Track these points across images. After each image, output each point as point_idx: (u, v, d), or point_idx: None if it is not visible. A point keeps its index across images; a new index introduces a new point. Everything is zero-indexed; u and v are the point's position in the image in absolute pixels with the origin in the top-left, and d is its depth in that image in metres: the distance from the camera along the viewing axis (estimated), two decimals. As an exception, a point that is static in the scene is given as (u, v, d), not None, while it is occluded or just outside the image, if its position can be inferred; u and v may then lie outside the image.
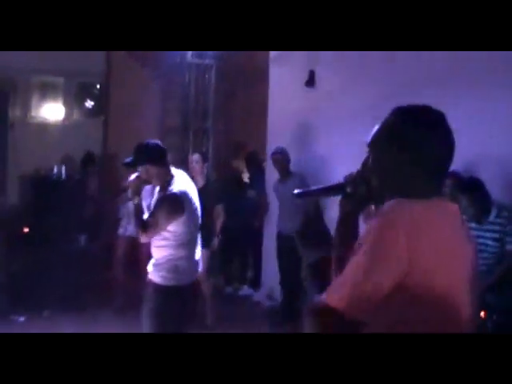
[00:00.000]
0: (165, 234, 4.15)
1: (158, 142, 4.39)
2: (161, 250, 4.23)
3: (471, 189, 4.62)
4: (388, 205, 1.87)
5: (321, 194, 2.53)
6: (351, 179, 2.14)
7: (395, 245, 1.73)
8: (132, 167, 4.33)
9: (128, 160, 4.32)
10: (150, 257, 4.42)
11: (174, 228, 4.14)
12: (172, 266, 4.18)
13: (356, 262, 1.79)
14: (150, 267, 4.31)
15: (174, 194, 4.14)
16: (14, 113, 9.08)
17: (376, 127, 2.04)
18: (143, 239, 4.24)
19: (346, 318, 1.77)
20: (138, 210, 4.22)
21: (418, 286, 1.76)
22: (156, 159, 4.23)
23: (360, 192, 2.08)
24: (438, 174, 1.92)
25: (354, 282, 1.77)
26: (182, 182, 4.27)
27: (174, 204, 4.12)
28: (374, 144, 2.00)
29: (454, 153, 1.91)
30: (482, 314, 4.17)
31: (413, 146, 1.89)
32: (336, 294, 1.80)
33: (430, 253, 1.76)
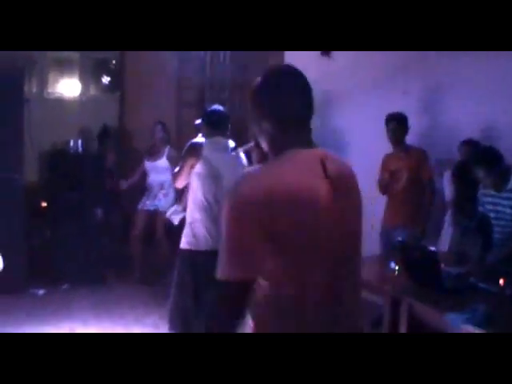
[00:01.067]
0: (189, 198, 4.55)
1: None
2: (186, 216, 4.59)
3: (488, 160, 4.57)
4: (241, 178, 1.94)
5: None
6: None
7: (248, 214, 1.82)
8: None
9: None
10: (166, 230, 4.64)
11: (193, 190, 4.49)
12: (189, 230, 4.49)
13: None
14: None
15: (192, 141, 4.56)
16: (30, 89, 9.07)
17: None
18: (176, 185, 4.74)
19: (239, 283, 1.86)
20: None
21: (283, 236, 1.83)
22: None
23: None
24: (294, 127, 2.02)
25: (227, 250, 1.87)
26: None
27: (190, 148, 4.50)
28: (250, 107, 2.10)
29: (309, 108, 2.06)
30: (501, 281, 4.13)
31: (266, 104, 2.01)
32: (222, 268, 1.88)
33: (286, 207, 1.83)
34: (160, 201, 7.36)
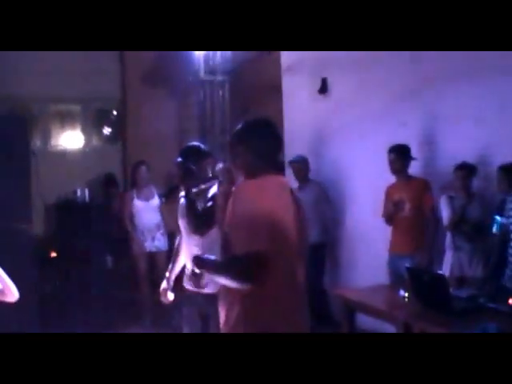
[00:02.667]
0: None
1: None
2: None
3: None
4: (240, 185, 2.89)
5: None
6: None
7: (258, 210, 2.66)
8: None
9: None
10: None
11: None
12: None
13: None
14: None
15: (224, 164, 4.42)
16: (35, 141, 9.22)
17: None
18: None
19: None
20: None
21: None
22: None
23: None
24: (268, 160, 2.85)
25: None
26: None
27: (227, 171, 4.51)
28: (231, 144, 2.96)
29: (279, 147, 2.94)
30: (511, 300, 4.18)
31: (249, 144, 2.86)
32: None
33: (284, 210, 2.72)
34: (160, 241, 7.37)
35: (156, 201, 7.32)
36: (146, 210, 7.38)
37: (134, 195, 7.46)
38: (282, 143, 2.97)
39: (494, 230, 4.81)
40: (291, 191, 2.90)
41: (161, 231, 7.37)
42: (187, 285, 4.28)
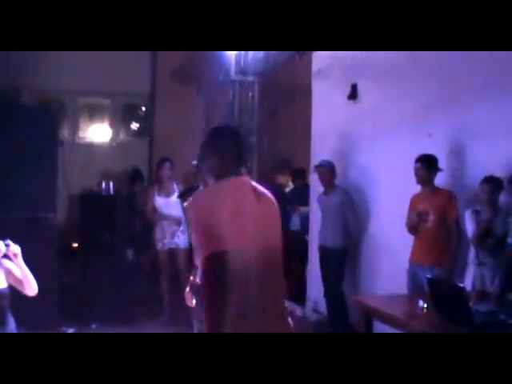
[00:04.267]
0: None
1: None
2: None
3: None
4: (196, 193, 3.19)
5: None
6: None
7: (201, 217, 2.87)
8: None
9: None
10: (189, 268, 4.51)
11: None
12: None
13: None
14: None
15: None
16: (63, 133, 9.32)
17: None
18: None
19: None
20: None
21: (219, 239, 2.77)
22: None
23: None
24: (230, 163, 3.00)
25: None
26: None
27: None
28: (201, 149, 3.12)
29: (241, 150, 3.08)
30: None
31: (213, 149, 3.05)
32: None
33: (221, 212, 2.83)
34: (179, 238, 7.43)
35: (175, 198, 7.35)
36: (167, 206, 7.43)
37: (156, 191, 7.54)
38: (244, 148, 3.15)
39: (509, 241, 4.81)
40: (254, 190, 3.02)
41: (181, 228, 7.41)
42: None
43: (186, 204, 4.19)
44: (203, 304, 4.24)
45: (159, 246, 7.51)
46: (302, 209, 8.65)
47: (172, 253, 7.47)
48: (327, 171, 7.10)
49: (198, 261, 2.85)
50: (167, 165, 7.55)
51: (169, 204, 7.43)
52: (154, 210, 7.53)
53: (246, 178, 3.08)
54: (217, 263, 2.76)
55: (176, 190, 7.45)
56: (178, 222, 7.40)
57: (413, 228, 5.84)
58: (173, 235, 7.45)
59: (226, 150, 3.02)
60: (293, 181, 9.09)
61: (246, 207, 2.91)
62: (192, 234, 2.98)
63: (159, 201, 7.52)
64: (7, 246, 4.22)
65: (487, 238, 5.22)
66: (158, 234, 7.53)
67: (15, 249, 4.25)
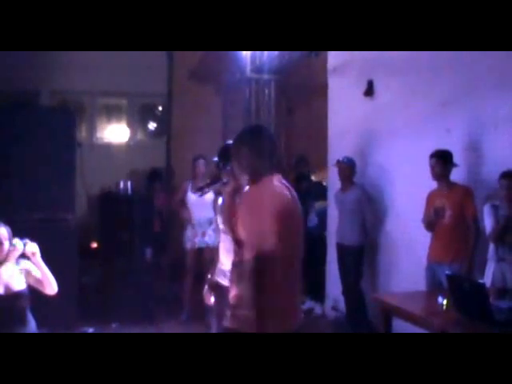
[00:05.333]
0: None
1: None
2: None
3: None
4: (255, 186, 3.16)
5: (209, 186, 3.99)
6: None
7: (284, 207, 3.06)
8: None
9: None
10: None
11: None
12: None
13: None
14: None
15: None
16: (81, 134, 9.39)
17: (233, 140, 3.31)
18: None
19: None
20: None
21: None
22: None
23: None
24: (266, 161, 3.16)
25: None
26: None
27: None
28: (235, 147, 3.25)
29: (276, 149, 3.29)
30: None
31: (251, 148, 3.17)
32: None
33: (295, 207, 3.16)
34: (210, 236, 7.37)
35: (210, 195, 7.10)
36: (198, 204, 7.32)
37: (189, 188, 7.52)
38: (277, 148, 3.35)
39: None
40: (288, 189, 3.21)
41: (212, 227, 7.30)
42: (220, 279, 4.30)
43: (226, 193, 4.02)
44: (223, 301, 4.26)
45: (188, 245, 7.49)
46: (319, 204, 8.63)
47: (201, 251, 7.45)
48: (348, 167, 7.09)
49: (257, 246, 2.92)
50: (200, 162, 7.56)
51: (201, 202, 7.26)
52: (183, 204, 7.54)
53: (279, 176, 3.23)
54: (286, 252, 2.96)
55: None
56: (210, 221, 7.30)
57: (430, 224, 5.81)
58: (204, 234, 7.45)
59: (264, 148, 3.16)
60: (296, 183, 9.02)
61: (296, 205, 3.18)
62: (257, 219, 3.00)
63: (192, 198, 7.47)
64: (25, 244, 4.25)
65: (506, 233, 5.18)
66: (188, 232, 7.53)
67: (33, 247, 4.28)
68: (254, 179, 3.15)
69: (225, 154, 4.31)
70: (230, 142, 4.54)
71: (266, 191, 3.09)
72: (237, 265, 3.13)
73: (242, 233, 3.07)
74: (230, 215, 3.29)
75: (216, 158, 4.37)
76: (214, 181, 3.95)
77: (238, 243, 3.13)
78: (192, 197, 7.46)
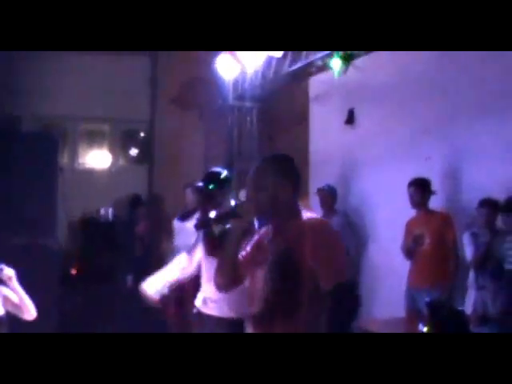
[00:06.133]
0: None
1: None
2: None
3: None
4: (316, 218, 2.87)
5: (218, 220, 3.12)
6: (239, 206, 2.91)
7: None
8: None
9: None
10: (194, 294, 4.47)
11: None
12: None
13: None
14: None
15: None
16: (63, 159, 9.36)
17: (257, 169, 2.83)
18: None
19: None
20: None
21: None
22: None
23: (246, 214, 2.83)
24: (298, 190, 2.84)
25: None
26: None
27: None
28: (265, 180, 2.78)
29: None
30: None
31: (287, 176, 2.79)
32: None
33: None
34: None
35: (193, 223, 7.18)
36: (181, 231, 7.35)
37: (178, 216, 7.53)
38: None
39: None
40: None
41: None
42: (201, 307, 4.29)
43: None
44: (203, 327, 4.25)
45: None
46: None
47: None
48: (328, 195, 7.14)
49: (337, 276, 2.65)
50: (188, 190, 7.55)
51: (185, 229, 7.32)
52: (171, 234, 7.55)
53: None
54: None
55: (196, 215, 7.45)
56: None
57: (409, 252, 5.86)
58: None
59: (297, 177, 2.84)
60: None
61: None
62: (336, 252, 2.74)
63: (177, 225, 7.49)
64: (1, 270, 4.21)
65: (487, 260, 5.23)
66: (169, 257, 7.53)
67: (9, 272, 4.23)
68: (286, 215, 2.80)
69: (212, 180, 4.35)
70: (217, 168, 4.60)
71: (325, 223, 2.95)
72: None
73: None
74: (234, 250, 2.85)
75: (201, 184, 4.38)
76: (224, 213, 3.05)
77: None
78: (177, 224, 7.48)
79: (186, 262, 4.57)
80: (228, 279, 2.91)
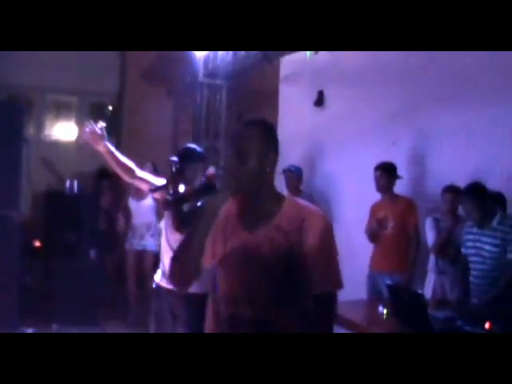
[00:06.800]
0: None
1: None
2: None
3: (473, 191, 4.74)
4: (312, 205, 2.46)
5: (192, 197, 2.81)
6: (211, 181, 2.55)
7: None
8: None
9: None
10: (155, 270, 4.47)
11: None
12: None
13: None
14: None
15: None
16: (28, 130, 9.23)
17: (240, 134, 2.38)
18: None
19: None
20: None
21: None
22: None
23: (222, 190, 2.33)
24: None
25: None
26: None
27: None
28: (256, 145, 2.35)
29: None
30: (487, 325, 4.21)
31: (273, 144, 2.44)
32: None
33: None
34: (147, 241, 7.48)
35: (149, 201, 7.37)
36: (137, 209, 7.47)
37: (131, 194, 7.55)
38: None
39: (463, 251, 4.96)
40: None
41: (150, 232, 7.45)
42: (161, 281, 4.29)
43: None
44: (162, 302, 4.24)
45: (127, 245, 7.54)
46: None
47: (140, 254, 7.49)
48: (294, 176, 7.14)
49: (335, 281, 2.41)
50: (149, 168, 7.46)
51: (140, 207, 7.47)
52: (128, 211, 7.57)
53: None
54: None
55: (149, 194, 7.40)
56: (148, 226, 7.44)
57: (373, 235, 5.92)
58: (142, 237, 7.49)
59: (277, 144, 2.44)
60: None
61: None
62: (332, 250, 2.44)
63: (131, 203, 7.55)
64: None
65: (448, 246, 5.32)
66: (128, 233, 7.58)
67: None
68: (276, 198, 2.43)
69: (186, 156, 4.34)
70: (193, 145, 4.60)
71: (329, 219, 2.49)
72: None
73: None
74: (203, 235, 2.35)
75: (175, 158, 4.35)
76: (198, 190, 2.52)
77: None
78: (132, 202, 7.54)
79: None
80: (188, 269, 2.38)
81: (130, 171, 4.38)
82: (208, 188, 2.34)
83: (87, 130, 4.29)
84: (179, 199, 4.09)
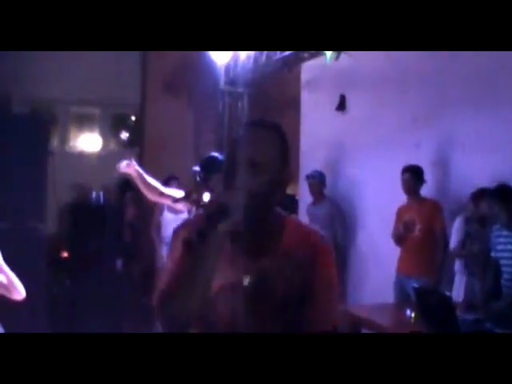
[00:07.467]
0: None
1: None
2: None
3: (501, 193, 4.71)
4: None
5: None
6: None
7: None
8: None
9: None
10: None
11: None
12: None
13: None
14: None
15: None
16: (53, 143, 9.34)
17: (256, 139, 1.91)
18: None
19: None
20: None
21: None
22: None
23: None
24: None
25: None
26: None
27: None
28: (280, 156, 1.93)
29: None
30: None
31: (288, 154, 1.98)
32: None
33: None
34: None
35: (185, 215, 7.21)
36: (174, 222, 7.37)
37: (165, 206, 7.51)
38: None
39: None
40: None
41: None
42: None
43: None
44: None
45: (159, 264, 7.44)
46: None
47: None
48: (317, 182, 7.15)
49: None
50: (174, 183, 7.49)
51: (178, 220, 7.35)
52: (160, 226, 7.50)
53: None
54: None
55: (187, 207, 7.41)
56: None
57: (399, 238, 5.89)
58: None
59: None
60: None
61: None
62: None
63: (168, 216, 7.48)
64: None
65: (475, 249, 5.28)
66: (160, 251, 7.48)
67: None
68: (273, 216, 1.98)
69: (209, 166, 4.36)
70: (216, 154, 4.60)
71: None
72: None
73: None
74: None
75: (197, 168, 4.36)
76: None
77: None
78: (168, 215, 7.47)
79: None
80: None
81: (156, 190, 4.44)
82: (220, 212, 1.79)
83: (124, 165, 4.39)
84: (200, 235, 3.98)
